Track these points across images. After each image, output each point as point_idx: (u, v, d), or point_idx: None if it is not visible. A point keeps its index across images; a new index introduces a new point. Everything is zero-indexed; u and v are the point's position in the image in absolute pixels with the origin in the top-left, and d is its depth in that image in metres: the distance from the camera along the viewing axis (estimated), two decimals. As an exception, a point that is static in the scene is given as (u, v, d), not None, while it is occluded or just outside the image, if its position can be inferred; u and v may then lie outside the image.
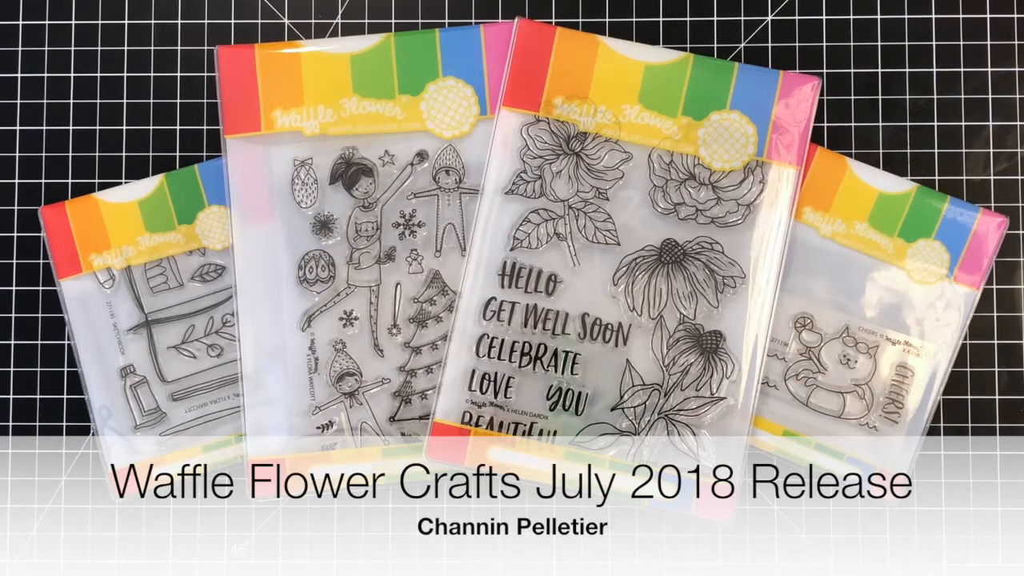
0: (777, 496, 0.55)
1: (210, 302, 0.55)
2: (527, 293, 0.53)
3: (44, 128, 0.57)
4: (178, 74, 0.57)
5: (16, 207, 0.56)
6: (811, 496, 0.55)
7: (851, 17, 0.56)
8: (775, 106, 0.53)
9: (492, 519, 0.55)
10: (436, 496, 0.55)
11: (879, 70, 0.56)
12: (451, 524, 0.55)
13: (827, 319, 0.54)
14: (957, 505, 0.55)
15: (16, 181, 0.57)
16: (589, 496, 0.54)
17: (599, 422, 0.53)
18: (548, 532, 0.55)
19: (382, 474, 0.54)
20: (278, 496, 0.54)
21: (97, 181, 0.56)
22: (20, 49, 0.57)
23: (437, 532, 0.55)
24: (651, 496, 0.53)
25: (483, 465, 0.53)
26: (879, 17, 0.56)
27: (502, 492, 0.55)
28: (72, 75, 0.57)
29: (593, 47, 0.54)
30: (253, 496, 0.54)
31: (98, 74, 0.57)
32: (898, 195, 0.54)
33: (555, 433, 0.53)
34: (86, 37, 0.57)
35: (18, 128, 0.57)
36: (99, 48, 0.57)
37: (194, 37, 0.57)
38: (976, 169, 0.56)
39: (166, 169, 0.56)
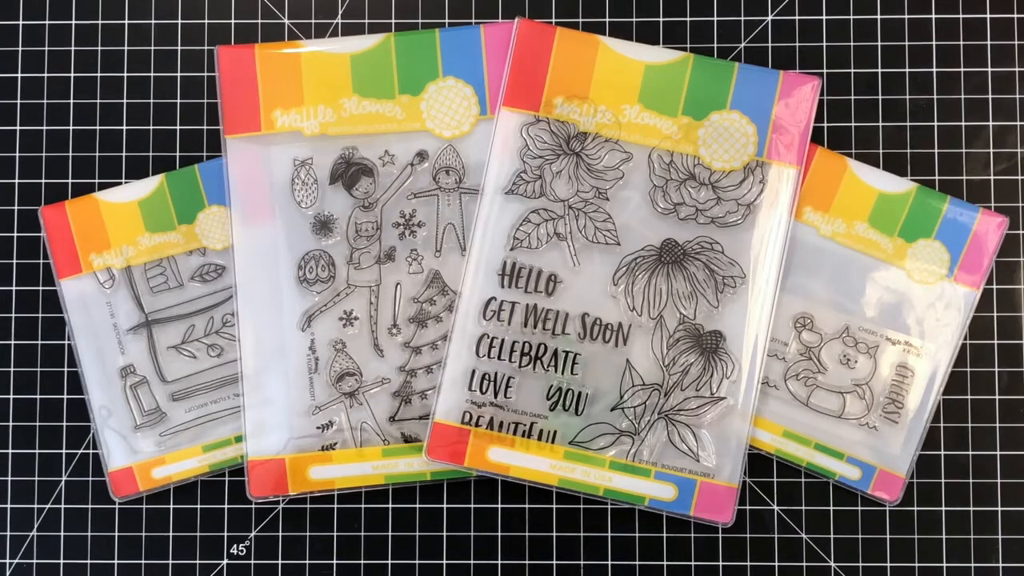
0: (776, 496, 0.55)
1: (210, 302, 0.55)
2: (527, 293, 0.53)
3: (44, 128, 0.57)
4: (178, 74, 0.57)
5: (16, 207, 0.56)
6: (810, 496, 0.55)
7: (851, 17, 0.56)
8: (775, 106, 0.53)
9: (492, 520, 0.55)
10: (436, 496, 0.55)
11: (879, 70, 0.56)
12: (451, 524, 0.55)
13: (827, 319, 0.54)
14: (957, 505, 0.55)
15: (16, 181, 0.57)
16: (589, 496, 0.54)
17: (599, 422, 0.53)
18: (548, 532, 0.55)
19: (383, 483, 0.54)
20: (278, 496, 0.54)
21: (97, 181, 0.56)
22: (20, 49, 0.57)
23: (437, 532, 0.55)
24: (651, 496, 0.53)
25: (483, 469, 0.53)
26: (879, 17, 0.56)
27: (502, 492, 0.55)
28: (72, 75, 0.57)
29: (593, 47, 0.54)
30: (253, 496, 0.54)
31: (98, 74, 0.57)
32: (898, 195, 0.54)
33: (555, 433, 0.53)
34: (86, 37, 0.57)
35: (18, 128, 0.57)
36: (99, 48, 0.57)
37: (194, 37, 0.57)
38: (976, 169, 0.56)
39: (166, 169, 0.56)
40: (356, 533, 0.55)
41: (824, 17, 0.56)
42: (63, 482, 0.56)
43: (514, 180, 0.53)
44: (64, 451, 0.56)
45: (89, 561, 0.56)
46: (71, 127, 0.57)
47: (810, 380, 0.55)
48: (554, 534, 0.55)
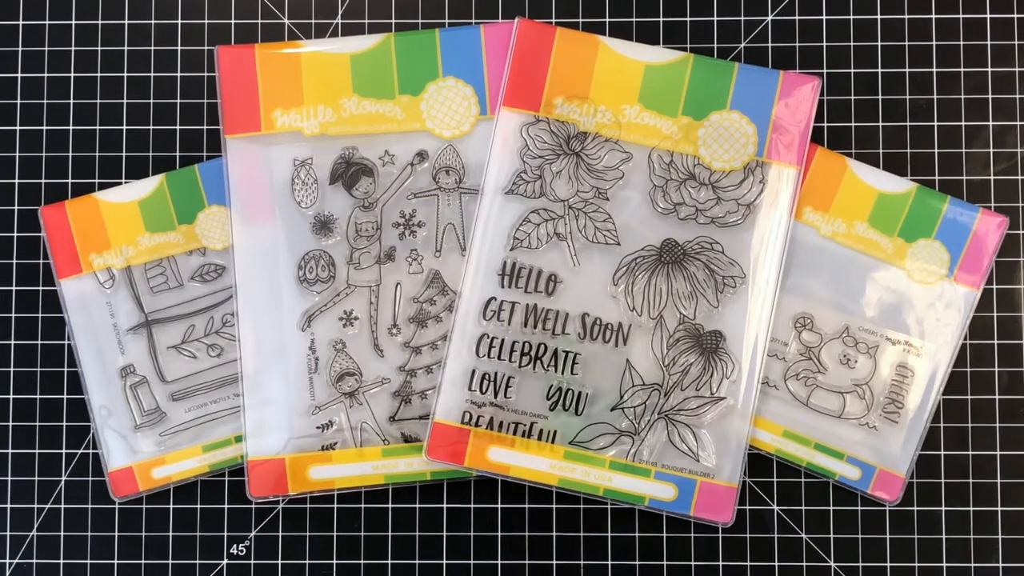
0: (776, 496, 0.55)
1: (210, 302, 0.55)
2: (527, 293, 0.53)
3: (44, 128, 0.57)
4: (178, 74, 0.57)
5: (16, 207, 0.56)
6: (810, 496, 0.55)
7: (851, 17, 0.56)
8: (775, 106, 0.53)
9: (492, 520, 0.55)
10: (436, 496, 0.55)
11: (879, 70, 0.56)
12: (451, 524, 0.55)
13: (827, 319, 0.54)
14: (957, 505, 0.55)
15: (16, 181, 0.57)
16: (589, 496, 0.54)
17: (599, 422, 0.53)
18: (548, 533, 0.55)
19: (383, 483, 0.54)
20: (278, 496, 0.54)
21: (97, 181, 0.56)
22: (20, 49, 0.57)
23: (437, 532, 0.55)
24: (651, 496, 0.53)
25: (483, 469, 0.53)
26: (879, 17, 0.56)
27: (502, 492, 0.55)
28: (72, 75, 0.57)
29: (593, 47, 0.54)
30: (253, 496, 0.54)
31: (98, 74, 0.57)
32: (898, 195, 0.54)
33: (555, 433, 0.53)
34: (86, 37, 0.57)
35: (18, 128, 0.57)
36: (99, 48, 0.57)
37: (194, 37, 0.57)
38: (976, 169, 0.56)
39: (166, 169, 0.56)
40: (356, 533, 0.55)
41: (824, 17, 0.56)
42: (63, 482, 0.56)
43: (514, 180, 0.53)
44: (64, 451, 0.56)
45: (89, 561, 0.56)
46: (71, 127, 0.57)
47: (810, 380, 0.55)
48: (554, 534, 0.55)
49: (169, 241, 0.55)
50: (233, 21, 0.57)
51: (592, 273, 0.54)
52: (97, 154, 0.56)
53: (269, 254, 0.54)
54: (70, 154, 0.56)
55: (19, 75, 0.57)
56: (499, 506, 0.55)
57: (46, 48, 0.57)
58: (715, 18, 0.56)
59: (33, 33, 0.57)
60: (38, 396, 0.56)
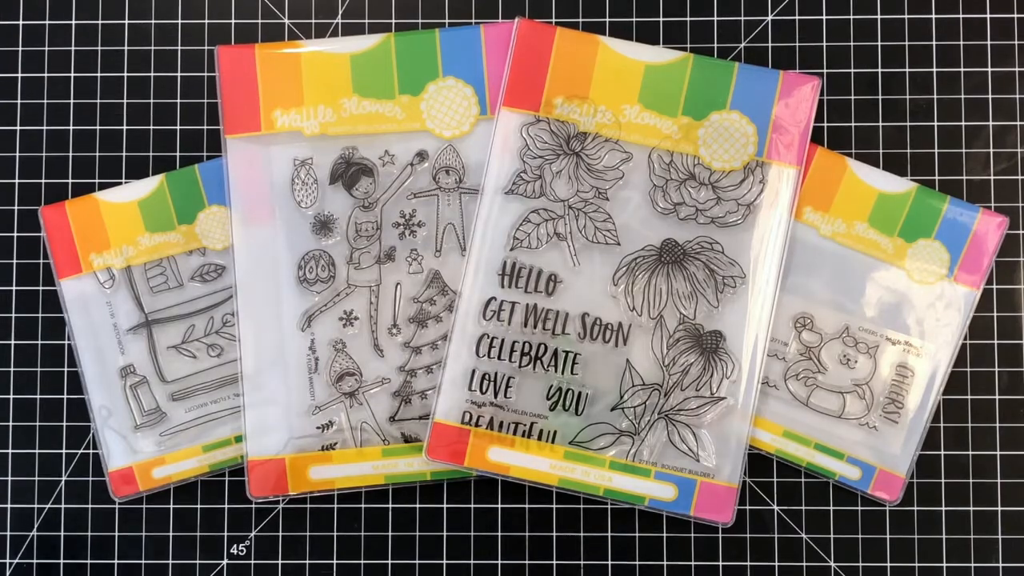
0: (776, 496, 0.55)
1: (210, 302, 0.55)
2: (527, 293, 0.53)
3: (44, 128, 0.57)
4: (178, 74, 0.57)
5: (16, 207, 0.56)
6: (810, 496, 0.55)
7: (851, 17, 0.56)
8: (775, 106, 0.53)
9: (492, 520, 0.55)
10: (436, 496, 0.55)
11: (879, 70, 0.56)
12: (451, 524, 0.55)
13: (827, 319, 0.54)
14: (957, 505, 0.55)
15: (16, 181, 0.57)
16: (589, 496, 0.54)
17: (599, 422, 0.53)
18: (548, 533, 0.55)
19: (383, 483, 0.54)
20: (278, 496, 0.54)
21: (97, 181, 0.56)
22: (20, 49, 0.57)
23: (437, 532, 0.55)
24: (651, 496, 0.53)
25: (483, 469, 0.53)
26: (879, 17, 0.56)
27: (502, 492, 0.55)
28: (72, 75, 0.57)
29: (593, 47, 0.54)
30: (253, 496, 0.54)
31: (98, 74, 0.57)
32: (898, 195, 0.54)
33: (555, 433, 0.53)
34: (86, 37, 0.57)
35: (18, 128, 0.57)
36: (99, 48, 0.57)
37: (194, 37, 0.57)
38: (976, 169, 0.56)
39: (166, 169, 0.56)
40: (356, 533, 0.55)
41: (824, 17, 0.56)
42: (63, 482, 0.56)
43: (514, 180, 0.53)
44: (64, 451, 0.56)
45: (89, 561, 0.56)
46: (71, 127, 0.57)
47: (810, 380, 0.55)
48: (554, 534, 0.55)
49: (169, 241, 0.55)
50: (233, 21, 0.57)
51: (592, 273, 0.54)
52: (97, 154, 0.56)
53: (269, 254, 0.54)
54: (70, 154, 0.56)
55: (19, 75, 0.57)
56: (499, 506, 0.55)
57: (46, 48, 0.57)
58: (715, 18, 0.56)
59: (33, 33, 0.57)
60: (38, 396, 0.56)
